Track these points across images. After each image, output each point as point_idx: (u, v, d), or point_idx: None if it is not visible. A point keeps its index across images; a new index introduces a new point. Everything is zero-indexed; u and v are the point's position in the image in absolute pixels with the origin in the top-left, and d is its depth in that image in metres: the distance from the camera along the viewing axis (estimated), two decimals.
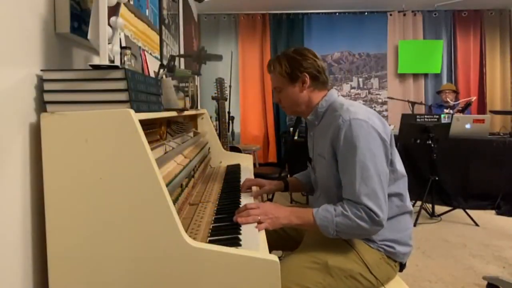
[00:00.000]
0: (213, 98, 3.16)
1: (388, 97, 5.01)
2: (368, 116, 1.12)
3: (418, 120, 3.28)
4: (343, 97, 1.29)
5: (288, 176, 3.69)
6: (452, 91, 4.34)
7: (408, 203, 1.22)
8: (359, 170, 1.06)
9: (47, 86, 0.86)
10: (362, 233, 1.09)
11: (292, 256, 1.17)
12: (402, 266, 1.23)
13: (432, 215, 3.29)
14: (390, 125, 1.20)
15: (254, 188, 1.46)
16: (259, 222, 1.05)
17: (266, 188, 1.46)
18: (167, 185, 0.93)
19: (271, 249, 1.38)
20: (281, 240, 1.40)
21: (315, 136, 1.31)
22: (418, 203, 3.30)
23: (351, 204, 1.07)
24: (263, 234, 1.00)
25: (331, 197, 1.18)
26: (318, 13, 5.31)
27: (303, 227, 1.14)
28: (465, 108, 4.20)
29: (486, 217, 3.34)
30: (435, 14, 5.30)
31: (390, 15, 5.31)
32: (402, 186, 1.20)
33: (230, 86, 4.25)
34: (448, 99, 4.25)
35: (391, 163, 1.15)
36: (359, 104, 1.21)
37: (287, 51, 1.26)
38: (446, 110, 4.26)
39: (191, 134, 1.87)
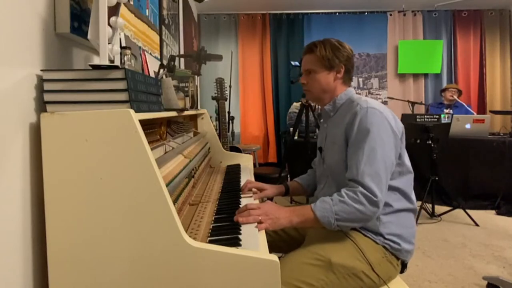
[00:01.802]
0: (213, 98, 3.16)
1: (388, 97, 5.01)
2: (383, 109, 1.20)
3: (418, 120, 3.29)
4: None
5: (288, 176, 3.69)
6: (457, 90, 4.35)
7: (414, 201, 1.25)
8: (367, 152, 1.12)
9: (47, 86, 0.86)
10: (360, 217, 1.10)
11: (295, 253, 1.18)
12: (403, 267, 1.24)
13: (432, 215, 3.29)
14: None
15: (254, 190, 1.46)
16: (260, 222, 1.05)
17: (267, 192, 1.46)
18: (167, 185, 0.93)
19: (272, 251, 1.38)
20: (282, 242, 1.40)
21: (328, 126, 1.36)
22: (418, 203, 3.30)
23: (348, 189, 1.11)
24: (263, 234, 1.00)
25: (340, 184, 1.21)
26: (318, 13, 5.31)
27: (305, 225, 1.14)
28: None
29: (486, 217, 3.34)
30: (435, 14, 5.30)
31: (390, 15, 5.31)
32: (409, 183, 1.23)
33: (230, 86, 4.25)
34: (455, 97, 4.26)
35: (399, 157, 1.20)
36: (375, 100, 1.27)
37: (331, 40, 1.33)
38: (446, 110, 4.26)
39: (191, 134, 1.87)
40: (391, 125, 1.16)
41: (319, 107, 4.17)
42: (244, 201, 1.28)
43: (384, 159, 1.12)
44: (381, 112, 1.17)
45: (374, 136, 1.12)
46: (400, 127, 1.21)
